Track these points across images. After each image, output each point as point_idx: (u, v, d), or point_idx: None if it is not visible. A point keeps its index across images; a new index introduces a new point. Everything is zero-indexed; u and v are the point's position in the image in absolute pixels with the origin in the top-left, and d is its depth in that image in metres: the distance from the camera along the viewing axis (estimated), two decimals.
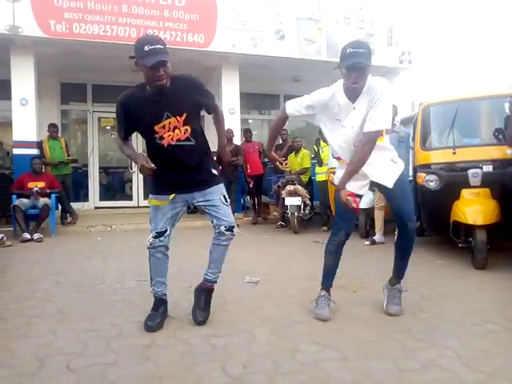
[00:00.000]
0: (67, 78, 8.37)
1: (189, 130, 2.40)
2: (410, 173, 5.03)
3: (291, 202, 6.08)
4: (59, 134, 7.23)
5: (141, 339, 2.32)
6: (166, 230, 2.55)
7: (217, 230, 2.62)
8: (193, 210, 8.46)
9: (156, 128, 2.35)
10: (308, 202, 6.27)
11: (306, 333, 2.38)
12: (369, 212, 5.50)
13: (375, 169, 2.56)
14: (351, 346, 2.21)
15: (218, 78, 7.72)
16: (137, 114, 2.36)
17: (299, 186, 6.19)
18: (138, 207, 8.93)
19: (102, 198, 8.87)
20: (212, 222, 2.63)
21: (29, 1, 6.12)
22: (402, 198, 2.60)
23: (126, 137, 2.50)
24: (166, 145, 2.37)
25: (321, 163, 6.47)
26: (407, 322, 2.53)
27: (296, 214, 6.13)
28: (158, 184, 2.53)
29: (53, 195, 6.20)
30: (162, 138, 2.37)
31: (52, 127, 6.90)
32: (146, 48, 2.18)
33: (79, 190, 8.69)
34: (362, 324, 2.51)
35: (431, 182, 4.30)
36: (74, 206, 7.15)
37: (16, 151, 6.64)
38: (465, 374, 1.89)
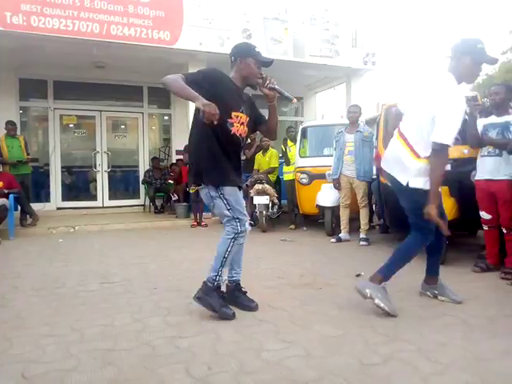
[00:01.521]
0: (26, 74, 8.02)
1: (246, 132, 2.67)
2: (374, 171, 5.16)
3: (259, 200, 6.10)
4: (18, 132, 6.92)
5: (102, 343, 2.26)
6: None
7: None
8: (160, 209, 8.35)
9: (233, 114, 2.54)
10: (276, 200, 6.31)
11: (271, 331, 2.39)
12: (334, 210, 5.59)
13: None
14: (315, 342, 2.23)
15: None
16: (225, 91, 2.52)
17: (267, 185, 6.21)
18: (103, 207, 8.70)
19: (64, 199, 8.56)
20: None
21: None
22: None
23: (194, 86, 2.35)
24: (232, 132, 2.55)
25: (288, 162, 6.53)
26: (370, 317, 2.58)
27: (264, 212, 6.16)
28: (228, 172, 2.59)
29: (11, 196, 5.92)
30: (232, 124, 2.54)
31: (10, 125, 6.59)
32: (257, 49, 2.65)
33: (40, 190, 8.35)
34: (327, 320, 2.55)
35: None
36: (35, 206, 6.86)
37: None
38: (424, 366, 1.96)
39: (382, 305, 2.57)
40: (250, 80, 2.62)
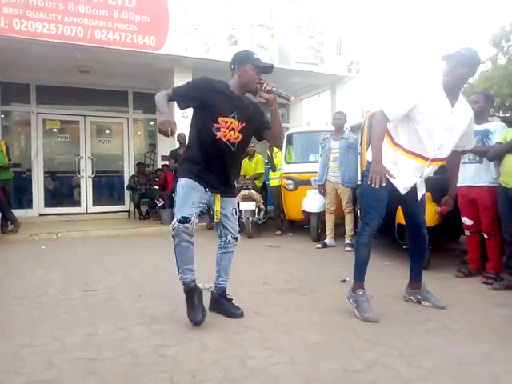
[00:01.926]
0: (8, 77, 7.88)
1: (239, 138, 2.62)
2: (359, 177, 5.21)
3: (246, 206, 6.10)
4: None
5: (85, 352, 2.22)
6: (191, 217, 2.52)
7: (223, 239, 2.84)
8: (145, 215, 8.27)
9: (220, 119, 2.54)
10: (262, 206, 6.32)
11: (256, 338, 2.38)
12: (320, 216, 5.63)
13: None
14: (300, 349, 2.24)
15: (171, 81, 7.60)
16: (212, 97, 2.53)
17: (253, 191, 6.22)
18: (87, 213, 8.57)
19: (47, 205, 8.42)
20: (217, 230, 2.84)
21: None
22: (422, 209, 2.91)
23: (181, 103, 2.56)
24: (218, 137, 2.54)
25: (274, 168, 6.55)
26: (354, 323, 2.60)
27: (250, 218, 6.16)
28: (197, 170, 2.58)
29: None
30: (218, 129, 2.54)
31: None
32: (256, 56, 2.68)
33: (22, 196, 8.20)
34: (311, 327, 2.55)
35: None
36: (17, 213, 6.72)
37: None
38: (407, 371, 1.98)
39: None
40: (249, 86, 2.62)
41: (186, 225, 2.52)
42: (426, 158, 2.67)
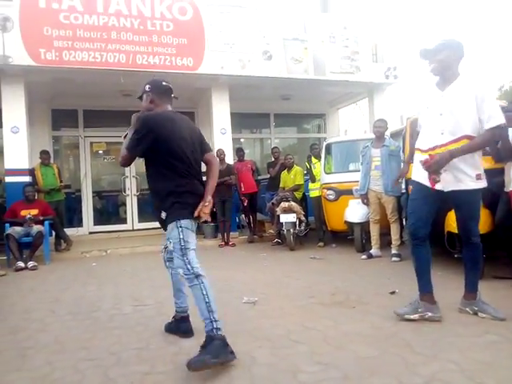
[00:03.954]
0: (58, 105, 8.41)
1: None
2: (403, 185, 5.08)
3: (286, 218, 6.09)
4: (51, 161, 7.22)
5: (139, 367, 2.28)
6: None
7: None
8: None
9: None
10: (303, 218, 6.28)
11: (306, 352, 2.35)
12: (364, 226, 5.51)
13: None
14: (352, 363, 2.19)
15: (209, 100, 7.82)
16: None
17: (293, 203, 6.20)
18: (133, 230, 8.87)
19: (96, 223, 8.80)
20: None
21: (18, 30, 6.19)
22: (469, 214, 2.77)
23: None
24: None
25: (313, 179, 6.52)
26: (407, 336, 2.51)
27: (291, 230, 6.13)
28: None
29: (46, 222, 6.14)
30: None
31: (44, 154, 6.89)
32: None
33: (73, 216, 8.63)
34: (362, 340, 2.49)
35: None
36: (68, 231, 7.08)
37: (8, 179, 6.60)
38: None
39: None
40: None
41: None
42: (433, 148, 2.69)
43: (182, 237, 2.43)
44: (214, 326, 2.27)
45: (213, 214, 7.73)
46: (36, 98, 7.32)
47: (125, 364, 2.33)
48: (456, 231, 3.83)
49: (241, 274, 4.70)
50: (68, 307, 3.59)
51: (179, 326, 2.75)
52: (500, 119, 2.56)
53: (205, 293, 2.35)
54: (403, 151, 5.14)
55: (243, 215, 8.09)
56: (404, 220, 5.51)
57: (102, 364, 2.34)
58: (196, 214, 2.44)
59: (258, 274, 4.67)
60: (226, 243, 7.00)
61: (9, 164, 6.57)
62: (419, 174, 2.76)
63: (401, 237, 5.31)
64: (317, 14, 8.42)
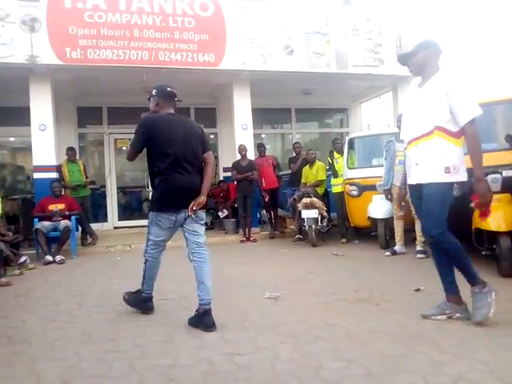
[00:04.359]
0: (83, 102, 8.60)
1: None
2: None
3: (308, 214, 6.05)
4: (77, 157, 7.40)
5: (163, 359, 2.32)
6: None
7: None
8: (210, 226, 8.50)
9: None
10: (325, 214, 6.23)
11: (329, 349, 2.34)
12: (387, 222, 5.42)
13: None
14: (376, 360, 2.16)
15: (230, 95, 7.83)
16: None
17: (315, 199, 6.16)
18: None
19: (120, 218, 8.98)
20: None
21: (46, 30, 6.35)
22: (425, 208, 2.67)
23: None
24: None
25: (336, 175, 6.45)
26: (433, 334, 2.46)
27: (313, 226, 6.09)
28: None
29: (73, 217, 6.31)
30: None
31: (70, 150, 7.07)
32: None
33: (98, 211, 8.83)
34: (387, 338, 2.45)
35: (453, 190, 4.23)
36: (94, 226, 7.26)
37: (36, 175, 6.81)
38: None
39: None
40: None
41: None
42: (411, 141, 2.75)
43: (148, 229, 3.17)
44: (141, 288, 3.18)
45: (234, 210, 7.78)
46: (62, 96, 7.49)
47: (149, 356, 2.37)
48: (484, 227, 3.74)
49: (262, 269, 4.71)
50: (94, 300, 3.68)
51: (202, 320, 2.78)
52: (473, 112, 2.53)
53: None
54: None
55: (264, 211, 8.09)
56: None
57: (127, 356, 2.38)
58: (189, 212, 2.88)
59: (279, 269, 4.67)
60: (248, 239, 7.02)
61: (37, 161, 6.76)
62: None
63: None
64: (339, 6, 8.28)
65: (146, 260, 3.19)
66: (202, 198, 2.89)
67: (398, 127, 5.16)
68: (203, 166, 3.01)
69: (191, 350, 2.41)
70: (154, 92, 3.03)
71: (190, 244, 3.01)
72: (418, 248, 4.91)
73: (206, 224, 9.06)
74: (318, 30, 7.53)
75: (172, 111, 3.02)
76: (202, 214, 3.06)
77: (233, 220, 7.70)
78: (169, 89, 3.03)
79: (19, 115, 7.38)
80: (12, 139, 9.21)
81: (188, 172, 2.89)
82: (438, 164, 2.57)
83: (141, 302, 3.22)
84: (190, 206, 2.84)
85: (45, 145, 6.77)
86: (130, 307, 3.25)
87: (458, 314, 2.65)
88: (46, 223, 6.07)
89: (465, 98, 2.55)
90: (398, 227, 5.15)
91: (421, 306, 2.87)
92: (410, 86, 8.51)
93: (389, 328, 2.61)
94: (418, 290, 3.37)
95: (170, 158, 2.84)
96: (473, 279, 2.60)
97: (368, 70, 7.78)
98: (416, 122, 2.70)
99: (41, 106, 6.73)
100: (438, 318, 2.66)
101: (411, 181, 2.78)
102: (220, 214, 8.06)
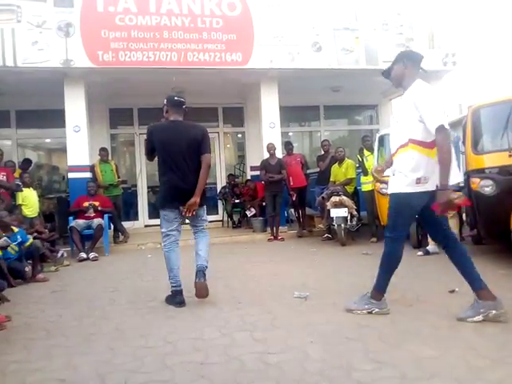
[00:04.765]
0: (115, 104, 8.82)
1: None
2: (461, 179, 4.79)
3: (337, 213, 5.97)
4: (109, 157, 7.60)
5: (194, 356, 2.34)
6: None
7: None
8: (237, 224, 8.54)
9: None
10: (355, 212, 6.12)
11: (360, 350, 2.29)
12: (420, 221, 5.27)
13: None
14: (410, 363, 2.10)
15: (258, 94, 7.83)
16: None
17: (345, 197, 6.07)
18: (185, 224, 9.10)
19: (150, 217, 9.15)
20: None
21: (79, 35, 6.55)
22: (388, 212, 2.91)
23: None
24: None
25: (366, 172, 6.33)
26: (470, 337, 2.37)
27: (343, 225, 6.00)
28: None
29: (105, 215, 6.49)
30: None
31: (103, 151, 7.27)
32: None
33: (129, 210, 9.04)
34: (421, 340, 2.38)
35: (487, 187, 4.09)
36: (125, 224, 7.44)
37: (71, 175, 7.04)
38: None
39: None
40: None
41: None
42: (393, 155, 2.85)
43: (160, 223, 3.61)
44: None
45: (262, 209, 7.78)
46: (95, 98, 7.71)
47: (180, 353, 2.40)
48: None
49: (290, 268, 4.69)
50: (126, 296, 3.77)
51: (196, 273, 3.40)
52: (437, 121, 2.52)
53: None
54: (463, 142, 4.85)
55: (292, 209, 8.05)
56: (464, 215, 5.23)
57: (159, 352, 2.43)
58: (183, 213, 3.39)
59: (308, 269, 4.63)
60: (275, 237, 7.01)
61: (71, 161, 6.99)
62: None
63: (460, 233, 5.03)
64: (368, 1, 8.09)
65: (164, 253, 3.57)
66: (193, 200, 3.31)
67: None
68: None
69: (221, 348, 2.43)
70: (164, 101, 3.49)
71: (193, 228, 3.71)
72: None
73: (234, 223, 9.04)
74: (346, 25, 7.40)
75: (180, 118, 3.44)
76: (202, 211, 3.59)
77: (260, 218, 7.70)
78: (176, 98, 3.45)
79: (55, 117, 7.65)
80: (48, 140, 9.57)
81: (184, 173, 3.33)
82: (411, 175, 2.65)
83: (171, 296, 3.44)
84: (181, 209, 3.36)
85: (79, 146, 6.98)
86: (166, 304, 3.44)
87: (493, 312, 2.57)
88: (81, 221, 6.27)
89: (429, 108, 2.57)
90: None
91: (456, 308, 2.78)
92: (442, 82, 8.25)
93: (422, 330, 2.53)
94: (452, 291, 3.27)
95: (168, 162, 3.34)
96: (379, 288, 2.87)
97: None
98: (395, 133, 2.84)
99: (75, 108, 6.95)
100: (474, 319, 2.57)
101: (389, 190, 2.89)
102: (248, 212, 8.07)
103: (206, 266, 3.46)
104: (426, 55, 7.69)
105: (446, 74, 8.21)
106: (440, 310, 2.88)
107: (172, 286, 3.42)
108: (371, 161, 6.29)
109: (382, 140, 6.34)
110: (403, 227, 2.86)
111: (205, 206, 3.62)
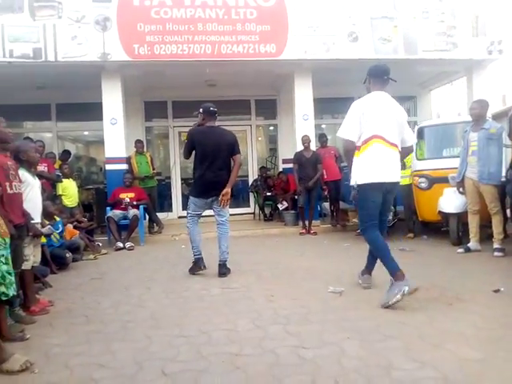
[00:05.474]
0: (150, 97, 8.96)
1: None
2: (503, 173, 4.56)
3: None
4: (145, 149, 7.75)
5: (229, 347, 2.35)
6: None
7: None
8: (269, 217, 8.52)
9: None
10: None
11: (399, 348, 2.22)
12: (460, 216, 5.06)
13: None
14: (452, 365, 2.01)
15: (291, 85, 7.73)
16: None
17: None
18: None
19: (184, 208, 9.24)
20: None
21: (116, 29, 6.67)
22: None
23: None
24: None
25: (404, 166, 6.10)
26: None
27: None
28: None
29: (141, 206, 6.63)
30: None
31: (138, 143, 7.41)
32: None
33: (163, 201, 9.20)
34: (463, 340, 2.28)
35: None
36: (160, 215, 7.58)
37: (108, 167, 7.22)
38: None
39: None
40: None
41: None
42: None
43: (188, 206, 4.41)
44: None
45: (294, 202, 7.71)
46: (130, 91, 7.85)
47: (215, 343, 2.42)
48: None
49: (324, 262, 4.62)
50: (162, 286, 3.84)
51: (219, 269, 4.20)
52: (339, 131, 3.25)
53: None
54: (509, 134, 4.59)
55: (325, 203, 7.92)
56: (508, 211, 4.97)
57: (194, 341, 2.45)
58: (220, 204, 4.12)
59: (342, 263, 4.55)
60: (308, 231, 6.93)
61: (108, 153, 7.17)
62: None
63: (504, 230, 4.79)
64: None
65: (188, 228, 4.45)
66: (225, 190, 4.05)
67: (471, 116, 4.79)
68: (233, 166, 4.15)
69: (255, 340, 2.42)
70: (200, 110, 4.14)
71: (216, 219, 4.31)
72: (496, 246, 4.53)
73: (265, 215, 8.99)
74: (384, 14, 7.14)
75: (213, 124, 4.16)
76: (226, 212, 4.28)
77: (292, 212, 7.64)
78: (211, 108, 4.13)
79: (92, 110, 7.86)
80: (86, 133, 9.88)
81: (217, 170, 4.04)
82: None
83: (193, 263, 4.28)
84: (219, 199, 4.09)
85: (115, 138, 7.15)
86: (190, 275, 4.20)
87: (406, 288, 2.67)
88: (117, 212, 6.44)
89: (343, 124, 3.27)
90: (473, 222, 4.77)
91: (501, 309, 2.65)
92: (486, 71, 7.85)
93: (465, 330, 2.43)
94: (497, 290, 3.11)
95: (204, 160, 4.05)
96: (391, 272, 3.01)
97: (439, 55, 7.25)
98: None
99: (112, 101, 7.10)
100: (394, 300, 2.64)
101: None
102: (280, 205, 8.02)
103: (227, 259, 4.27)
104: (469, 44, 7.41)
105: (490, 64, 7.80)
106: (483, 310, 2.75)
107: (194, 255, 4.28)
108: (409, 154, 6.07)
109: (421, 132, 6.12)
110: (365, 214, 3.34)
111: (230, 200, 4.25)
